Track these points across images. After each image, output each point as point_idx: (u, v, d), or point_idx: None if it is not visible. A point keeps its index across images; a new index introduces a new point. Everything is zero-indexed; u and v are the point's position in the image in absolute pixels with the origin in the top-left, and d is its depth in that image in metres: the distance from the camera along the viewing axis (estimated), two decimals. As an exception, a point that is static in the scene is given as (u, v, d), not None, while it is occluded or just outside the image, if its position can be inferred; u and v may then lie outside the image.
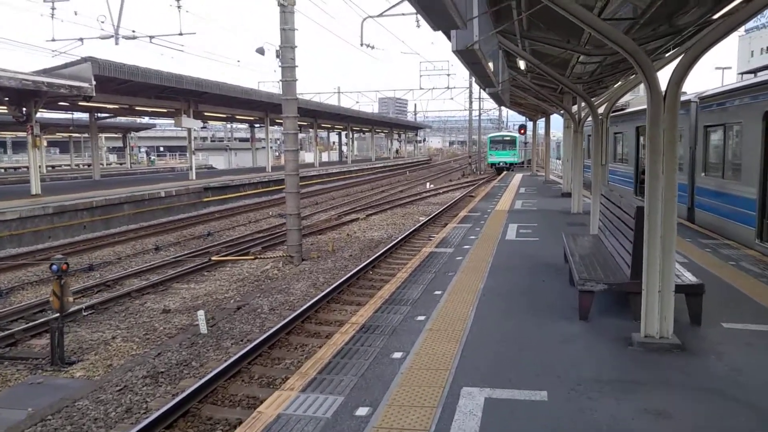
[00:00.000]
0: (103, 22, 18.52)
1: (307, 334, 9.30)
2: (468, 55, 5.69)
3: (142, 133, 79.57)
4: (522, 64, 11.04)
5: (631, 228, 5.68)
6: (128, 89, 24.57)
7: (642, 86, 12.36)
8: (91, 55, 19.19)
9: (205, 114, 33.11)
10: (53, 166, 64.51)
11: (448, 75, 58.15)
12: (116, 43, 19.72)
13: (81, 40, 20.50)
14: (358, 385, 4.98)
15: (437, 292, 7.87)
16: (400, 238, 16.68)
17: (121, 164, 65.51)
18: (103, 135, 67.38)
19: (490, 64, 8.66)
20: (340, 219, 22.60)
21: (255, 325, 9.75)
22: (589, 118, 16.19)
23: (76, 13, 28.14)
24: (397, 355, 5.61)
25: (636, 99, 19.45)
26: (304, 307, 10.08)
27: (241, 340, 9.05)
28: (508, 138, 51.20)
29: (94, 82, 19.83)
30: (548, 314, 6.72)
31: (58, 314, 8.42)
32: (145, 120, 50.54)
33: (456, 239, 12.18)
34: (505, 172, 42.68)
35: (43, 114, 38.68)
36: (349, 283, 12.09)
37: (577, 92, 9.21)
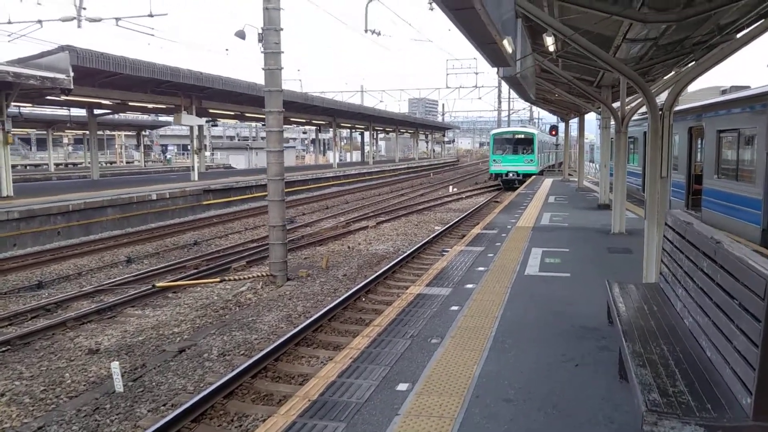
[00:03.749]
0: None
1: (255, 396, 6.97)
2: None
3: (166, 131, 78.45)
4: (550, 43, 8.58)
5: (755, 317, 2.89)
6: (120, 83, 22.52)
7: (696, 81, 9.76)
8: (65, 42, 17.16)
9: (211, 111, 31.01)
10: (75, 164, 63.52)
11: (476, 73, 55.66)
12: (79, 26, 17.66)
13: (40, 22, 18.51)
14: None
15: (401, 388, 4.86)
16: (407, 253, 14.28)
17: (146, 162, 63.95)
18: (123, 133, 66.48)
19: (505, 43, 6.24)
20: (348, 227, 20.27)
21: (192, 380, 7.45)
22: (634, 117, 13.62)
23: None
24: None
25: (688, 94, 16.75)
26: (261, 354, 7.77)
27: (164, 405, 6.77)
28: (521, 136, 36.27)
29: (72, 74, 17.80)
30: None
31: None
32: (154, 117, 48.44)
33: (459, 272, 9.23)
34: (531, 179, 33.44)
35: (44, 110, 37.21)
36: (332, 315, 9.76)
37: (627, 75, 6.71)
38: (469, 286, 8.27)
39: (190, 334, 9.23)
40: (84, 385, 7.29)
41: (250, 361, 7.54)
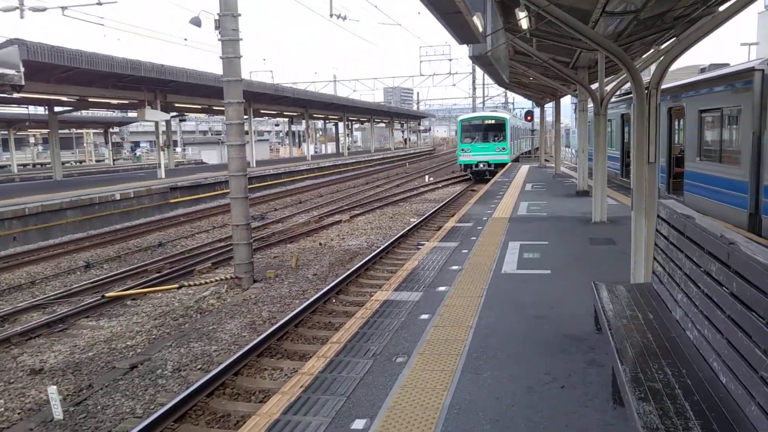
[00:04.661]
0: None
1: (210, 418, 6.29)
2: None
3: (137, 127, 76.57)
4: (523, 17, 7.97)
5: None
6: (78, 78, 21.52)
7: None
8: (7, 35, 16.19)
9: (177, 105, 30.04)
10: (42, 164, 61.85)
11: (450, 60, 55.04)
12: (21, 17, 16.65)
13: (-23, 14, 17.50)
14: None
15: (357, 425, 3.98)
16: (380, 248, 13.65)
17: (115, 160, 62.43)
18: (91, 131, 64.95)
19: (474, 19, 5.61)
20: (321, 221, 19.61)
21: (142, 401, 6.75)
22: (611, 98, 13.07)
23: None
24: None
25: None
26: (219, 369, 7.08)
27: (108, 433, 6.07)
28: (491, 121, 32.78)
29: (22, 69, 16.83)
30: None
31: None
32: (123, 113, 47.21)
33: (430, 272, 8.34)
34: (507, 167, 30.65)
35: (4, 110, 35.94)
36: (298, 321, 9.09)
37: (608, 49, 6.10)
38: (441, 288, 7.45)
39: (145, 347, 8.50)
40: (18, 413, 6.56)
41: (207, 378, 6.85)
